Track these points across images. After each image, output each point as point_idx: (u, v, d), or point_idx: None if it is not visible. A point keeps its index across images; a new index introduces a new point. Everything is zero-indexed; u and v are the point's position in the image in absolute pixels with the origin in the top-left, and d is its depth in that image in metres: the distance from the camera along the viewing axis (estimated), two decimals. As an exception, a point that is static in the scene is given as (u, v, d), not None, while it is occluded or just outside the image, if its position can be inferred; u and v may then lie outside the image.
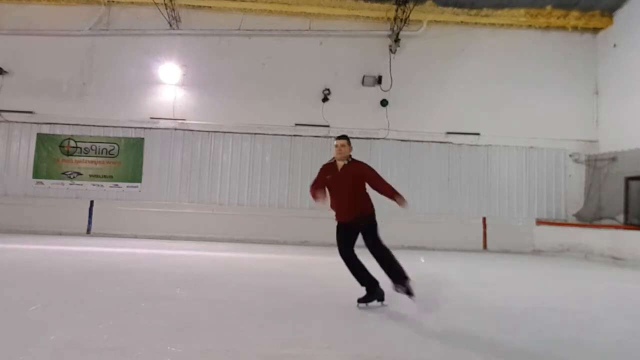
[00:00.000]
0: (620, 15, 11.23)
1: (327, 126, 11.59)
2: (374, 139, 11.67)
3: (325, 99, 11.57)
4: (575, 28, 11.70)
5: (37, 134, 11.58)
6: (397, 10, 11.18)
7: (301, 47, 11.80)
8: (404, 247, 10.88)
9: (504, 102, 11.68)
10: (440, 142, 11.70)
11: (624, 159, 10.67)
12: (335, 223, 4.59)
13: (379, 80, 11.66)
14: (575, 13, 11.50)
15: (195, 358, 2.62)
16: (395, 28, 11.44)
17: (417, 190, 11.44)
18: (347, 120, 11.60)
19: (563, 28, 11.75)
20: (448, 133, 11.71)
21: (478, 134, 11.65)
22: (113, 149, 11.52)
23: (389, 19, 11.59)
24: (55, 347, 2.67)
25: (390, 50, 11.75)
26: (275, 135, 11.54)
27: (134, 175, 11.48)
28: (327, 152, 11.55)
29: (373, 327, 3.37)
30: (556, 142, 11.59)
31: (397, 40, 11.56)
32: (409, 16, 11.04)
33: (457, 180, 11.57)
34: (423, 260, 8.73)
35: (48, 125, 11.56)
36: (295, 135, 11.59)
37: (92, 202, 11.25)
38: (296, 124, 11.58)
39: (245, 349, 2.81)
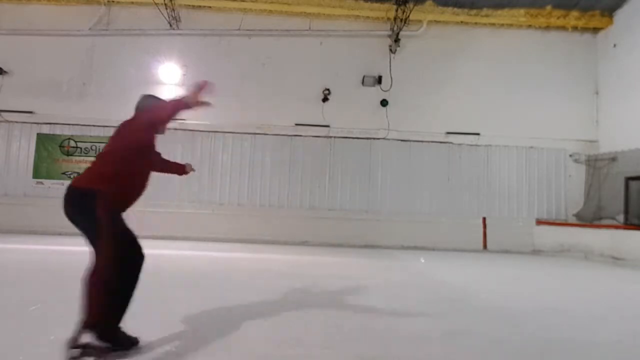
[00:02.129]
0: (620, 15, 11.23)
1: (327, 126, 11.59)
2: (373, 139, 11.67)
3: (325, 99, 11.58)
4: (575, 28, 11.69)
5: (37, 134, 11.58)
6: (397, 10, 11.18)
7: (301, 47, 11.80)
8: (403, 247, 10.89)
9: (504, 102, 11.69)
10: (440, 142, 11.69)
11: (624, 159, 10.67)
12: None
13: (379, 80, 11.66)
14: (575, 13, 11.50)
15: (195, 358, 2.62)
16: (395, 28, 11.44)
17: (417, 191, 11.45)
18: (347, 120, 11.61)
19: (563, 28, 11.74)
20: (448, 133, 11.71)
21: (478, 134, 11.65)
22: None
23: (389, 19, 11.59)
24: (55, 347, 2.67)
25: (390, 50, 11.75)
26: (276, 135, 11.54)
27: None
28: (328, 152, 11.56)
29: (373, 327, 3.38)
30: (556, 142, 11.58)
31: (397, 40, 11.56)
32: (409, 16, 11.04)
33: (457, 180, 11.56)
34: (423, 261, 8.74)
35: (48, 125, 11.56)
36: (295, 135, 11.59)
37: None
38: (296, 124, 11.60)
39: (245, 348, 2.81)
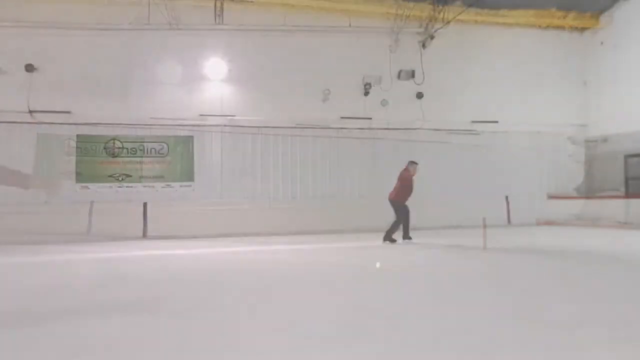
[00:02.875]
0: (618, 15, 12.68)
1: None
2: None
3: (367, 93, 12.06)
4: (575, 28, 13.30)
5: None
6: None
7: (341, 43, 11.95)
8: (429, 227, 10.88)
9: (515, 94, 12.88)
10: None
11: (615, 141, 12.45)
12: None
13: (405, 75, 12.18)
14: (574, 14, 12.96)
15: (196, 357, 2.63)
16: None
17: (442, 177, 11.91)
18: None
19: (563, 28, 13.25)
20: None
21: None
22: (162, 149, 11.31)
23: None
24: (58, 346, 2.76)
25: (423, 45, 12.33)
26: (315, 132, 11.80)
27: (186, 174, 11.27)
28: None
29: (373, 327, 3.23)
30: (557, 127, 12.97)
31: (432, 37, 12.10)
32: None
33: (480, 164, 12.41)
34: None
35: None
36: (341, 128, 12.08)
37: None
38: (341, 117, 12.02)
39: (246, 348, 2.79)
